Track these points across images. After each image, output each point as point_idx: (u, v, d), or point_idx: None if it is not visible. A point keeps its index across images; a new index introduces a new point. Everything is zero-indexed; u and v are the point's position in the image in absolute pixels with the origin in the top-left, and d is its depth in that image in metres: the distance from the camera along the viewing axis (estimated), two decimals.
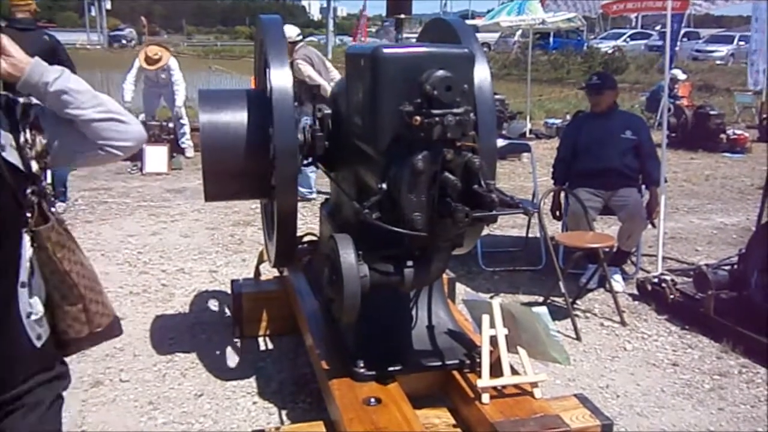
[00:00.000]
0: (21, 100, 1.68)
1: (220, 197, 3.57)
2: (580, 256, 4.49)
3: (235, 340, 3.89)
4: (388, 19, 3.32)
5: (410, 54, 2.42)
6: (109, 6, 46.11)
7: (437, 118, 2.25)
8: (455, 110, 2.27)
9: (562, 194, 5.01)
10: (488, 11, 14.61)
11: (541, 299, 4.50)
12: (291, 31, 7.07)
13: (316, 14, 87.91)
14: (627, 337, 4.09)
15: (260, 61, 3.25)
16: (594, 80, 5.05)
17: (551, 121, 12.16)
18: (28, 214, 1.64)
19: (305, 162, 3.03)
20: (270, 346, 3.85)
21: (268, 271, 4.11)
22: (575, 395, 2.78)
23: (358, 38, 19.03)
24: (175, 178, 8.17)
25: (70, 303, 1.75)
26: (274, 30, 2.93)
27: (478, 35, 3.33)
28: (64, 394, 1.81)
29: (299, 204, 3.00)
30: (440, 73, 2.28)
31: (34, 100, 1.71)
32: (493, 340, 2.66)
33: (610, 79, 5.14)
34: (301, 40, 7.21)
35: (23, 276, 1.63)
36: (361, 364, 2.68)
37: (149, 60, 8.40)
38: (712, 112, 10.88)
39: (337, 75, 6.99)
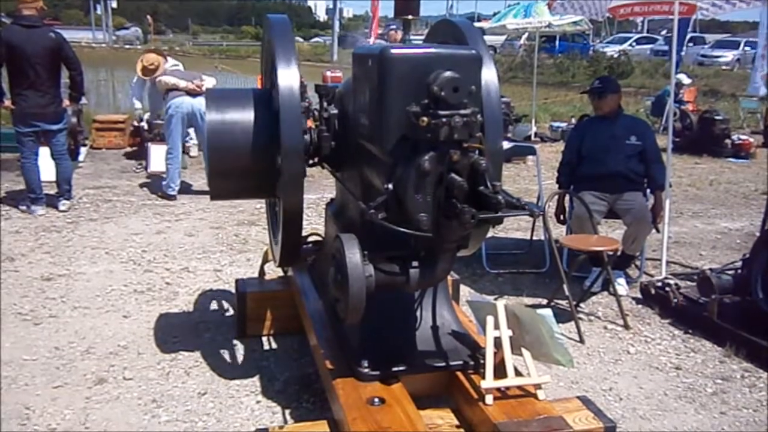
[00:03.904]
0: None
1: (225, 196, 3.57)
2: (584, 259, 4.48)
3: (239, 339, 3.90)
4: (394, 20, 3.32)
5: (418, 55, 2.43)
6: (114, 4, 46.19)
7: (444, 119, 2.26)
8: (462, 111, 2.28)
9: (567, 198, 5.01)
10: (494, 14, 14.66)
11: (544, 302, 4.49)
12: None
13: (322, 15, 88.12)
14: (630, 340, 4.09)
15: (267, 60, 3.26)
16: (596, 84, 5.06)
17: (556, 124, 12.16)
18: None
19: (311, 162, 3.04)
20: (274, 345, 3.86)
21: (273, 271, 4.12)
22: (578, 397, 2.78)
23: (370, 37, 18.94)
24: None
25: None
26: (281, 30, 2.93)
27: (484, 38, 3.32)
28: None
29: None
30: (448, 74, 2.29)
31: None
32: (497, 342, 2.67)
33: (613, 83, 5.14)
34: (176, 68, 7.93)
35: None
36: (366, 364, 2.69)
37: (145, 70, 8.36)
38: (717, 118, 10.88)
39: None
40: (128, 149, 9.57)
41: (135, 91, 9.37)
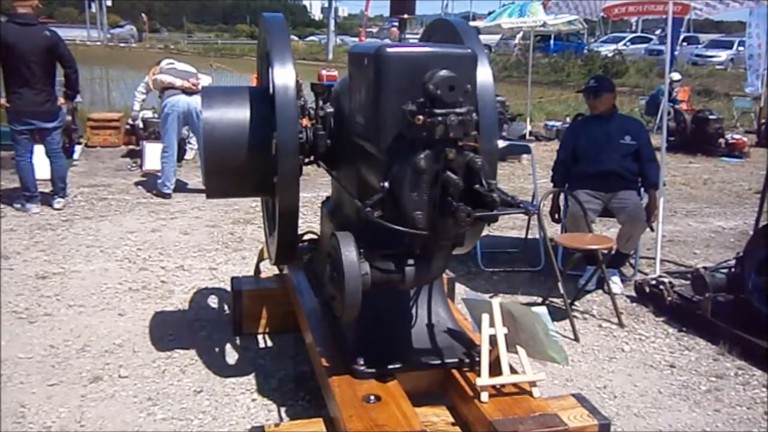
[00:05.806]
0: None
1: (221, 195, 3.57)
2: (578, 257, 4.50)
3: (235, 337, 3.90)
4: (392, 18, 3.33)
5: (414, 53, 2.44)
6: (109, 2, 46.02)
7: (440, 118, 2.26)
8: (458, 110, 2.29)
9: (562, 196, 5.02)
10: (489, 13, 14.68)
11: (539, 300, 4.51)
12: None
13: (317, 14, 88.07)
14: (625, 338, 4.10)
15: (263, 58, 3.27)
16: (591, 84, 5.09)
17: (551, 123, 12.18)
18: None
19: (307, 160, 3.04)
20: (269, 343, 3.86)
21: (268, 269, 4.12)
22: (573, 395, 2.79)
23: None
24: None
25: None
26: (277, 28, 2.94)
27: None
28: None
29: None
30: (443, 72, 2.30)
31: None
32: (493, 339, 2.68)
33: (608, 83, 5.16)
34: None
35: None
36: (361, 362, 2.69)
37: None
38: (711, 117, 10.91)
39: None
40: (129, 147, 9.50)
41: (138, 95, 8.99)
